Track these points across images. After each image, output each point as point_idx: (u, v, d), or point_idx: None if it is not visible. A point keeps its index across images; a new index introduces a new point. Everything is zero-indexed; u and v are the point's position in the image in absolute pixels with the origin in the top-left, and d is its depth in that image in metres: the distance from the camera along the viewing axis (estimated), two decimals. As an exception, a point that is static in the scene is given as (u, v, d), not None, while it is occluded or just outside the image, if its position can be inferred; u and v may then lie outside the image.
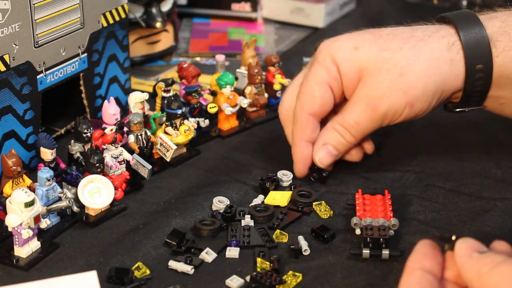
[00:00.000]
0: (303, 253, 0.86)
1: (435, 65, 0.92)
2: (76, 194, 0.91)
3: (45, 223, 0.86)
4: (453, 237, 0.72)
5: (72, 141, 0.97)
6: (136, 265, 0.83)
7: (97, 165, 0.92)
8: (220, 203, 0.94)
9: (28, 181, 0.90)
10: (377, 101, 0.92)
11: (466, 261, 0.69)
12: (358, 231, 0.86)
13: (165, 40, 1.38)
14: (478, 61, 0.92)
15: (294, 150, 0.99)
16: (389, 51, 0.93)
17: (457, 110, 0.98)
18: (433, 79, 0.92)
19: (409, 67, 0.92)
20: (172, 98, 1.05)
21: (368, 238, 0.84)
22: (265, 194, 0.97)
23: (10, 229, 0.84)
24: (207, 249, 0.86)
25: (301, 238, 0.88)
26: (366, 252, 0.84)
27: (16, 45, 0.95)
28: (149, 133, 1.02)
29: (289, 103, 1.00)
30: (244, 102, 1.12)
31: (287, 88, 1.03)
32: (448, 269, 0.72)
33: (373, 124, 0.95)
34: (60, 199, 0.90)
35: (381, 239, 0.84)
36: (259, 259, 0.84)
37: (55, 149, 0.93)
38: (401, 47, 0.93)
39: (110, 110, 1.02)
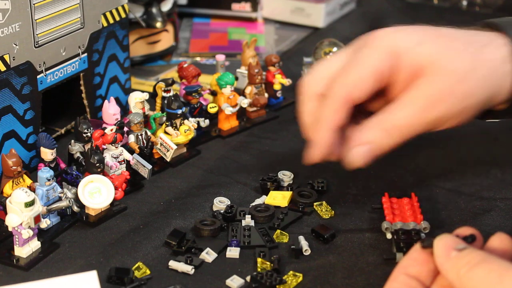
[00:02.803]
0: (304, 253, 0.86)
1: (495, 76, 0.84)
2: (76, 194, 0.90)
3: (45, 223, 0.86)
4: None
5: (72, 141, 0.97)
6: (136, 265, 0.83)
7: (97, 165, 0.92)
8: (220, 203, 0.94)
9: (28, 181, 0.90)
10: (435, 103, 0.83)
11: (445, 262, 0.67)
12: (389, 236, 0.84)
13: (165, 40, 1.38)
14: None
15: (320, 133, 0.86)
16: (454, 51, 0.84)
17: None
18: (490, 90, 0.85)
19: (472, 73, 0.84)
20: (172, 98, 1.05)
21: (401, 243, 0.83)
22: (266, 194, 0.97)
23: (10, 229, 0.84)
24: (208, 249, 0.86)
25: (301, 238, 0.88)
26: (400, 256, 0.83)
27: (16, 45, 0.95)
28: (149, 133, 1.02)
29: (319, 80, 0.88)
30: (244, 102, 1.12)
31: (318, 65, 0.91)
32: (441, 277, 0.70)
33: (420, 127, 0.84)
34: (60, 199, 0.90)
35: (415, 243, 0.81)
36: (259, 259, 0.84)
37: (55, 149, 0.93)
38: (465, 49, 0.85)
39: (110, 110, 1.02)
